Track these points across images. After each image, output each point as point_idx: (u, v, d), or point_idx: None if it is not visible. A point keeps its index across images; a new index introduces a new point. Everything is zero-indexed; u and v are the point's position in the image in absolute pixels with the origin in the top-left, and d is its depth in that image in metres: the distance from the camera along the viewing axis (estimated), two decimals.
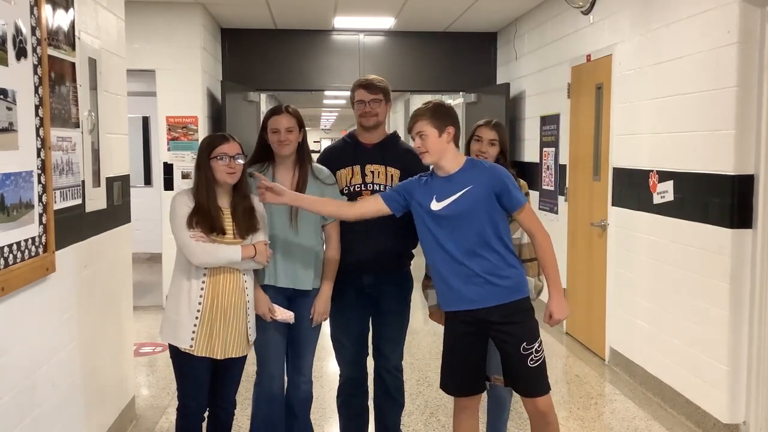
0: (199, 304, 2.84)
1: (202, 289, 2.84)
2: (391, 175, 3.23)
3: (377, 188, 3.21)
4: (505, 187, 2.80)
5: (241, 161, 2.87)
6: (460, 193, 2.80)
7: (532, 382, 2.85)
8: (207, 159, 2.84)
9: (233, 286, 2.88)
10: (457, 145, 2.89)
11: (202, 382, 2.95)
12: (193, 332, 2.84)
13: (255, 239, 2.92)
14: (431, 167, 2.92)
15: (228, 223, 2.86)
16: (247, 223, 2.89)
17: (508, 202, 2.81)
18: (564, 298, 2.86)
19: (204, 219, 2.81)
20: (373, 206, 2.96)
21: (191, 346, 2.85)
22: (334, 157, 3.31)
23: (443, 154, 2.83)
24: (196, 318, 2.84)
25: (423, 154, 2.83)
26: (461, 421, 3.02)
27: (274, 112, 3.10)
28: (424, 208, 2.85)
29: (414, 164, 3.33)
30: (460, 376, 2.94)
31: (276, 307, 3.06)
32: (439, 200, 2.82)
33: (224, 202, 2.89)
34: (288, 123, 3.07)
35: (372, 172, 3.23)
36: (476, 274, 2.79)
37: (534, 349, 2.81)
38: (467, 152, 3.19)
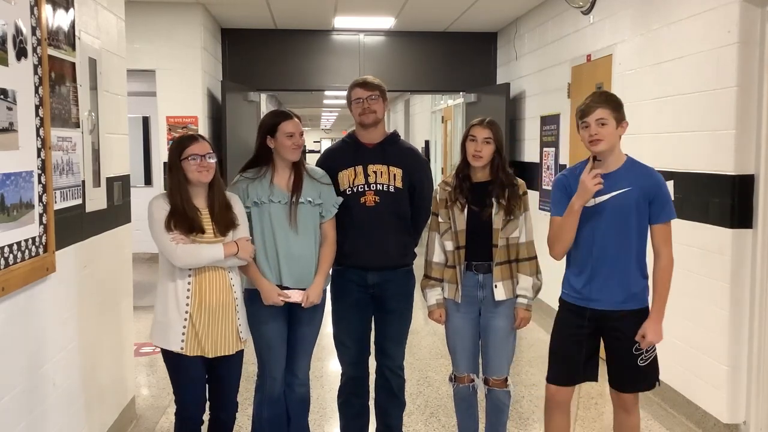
0: (187, 305, 2.84)
1: (188, 290, 2.84)
2: (394, 175, 3.23)
3: (380, 188, 3.21)
4: (661, 194, 2.84)
5: (212, 160, 2.87)
6: (616, 193, 2.83)
7: (634, 380, 2.91)
8: (178, 160, 2.84)
9: (220, 285, 2.88)
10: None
11: (197, 382, 2.95)
12: (183, 333, 2.84)
13: (236, 235, 2.93)
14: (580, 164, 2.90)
15: (207, 222, 2.86)
16: (225, 220, 2.90)
17: (658, 210, 2.84)
18: (661, 325, 2.87)
19: (181, 220, 2.81)
20: (573, 225, 2.86)
21: (182, 348, 2.84)
22: (335, 159, 3.32)
23: (614, 147, 2.85)
24: (185, 319, 2.84)
25: (597, 142, 2.80)
26: (552, 417, 3.07)
27: (285, 116, 3.10)
28: None
29: (415, 163, 3.35)
30: (562, 363, 2.99)
31: (289, 291, 3.07)
32: (594, 196, 2.82)
33: (201, 202, 2.89)
34: (300, 127, 3.12)
35: (375, 172, 3.23)
36: (608, 275, 2.85)
37: (645, 350, 2.87)
38: (462, 153, 3.18)
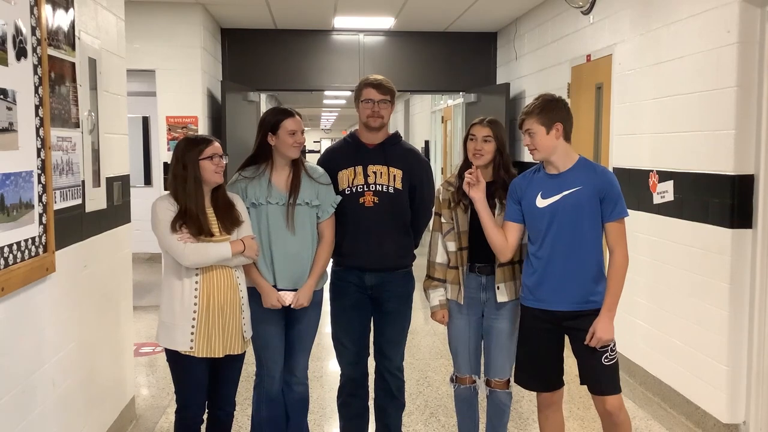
0: (195, 305, 2.83)
1: (195, 289, 2.84)
2: (394, 176, 3.22)
3: (379, 189, 3.20)
4: (612, 192, 2.82)
5: (226, 161, 2.91)
6: (566, 193, 2.83)
7: (605, 381, 2.88)
8: (196, 160, 2.83)
9: (227, 284, 2.88)
10: (568, 140, 2.88)
11: (201, 384, 2.95)
12: (192, 333, 2.83)
13: (241, 233, 2.93)
14: (541, 162, 2.94)
15: (214, 224, 2.87)
16: (230, 218, 2.91)
17: (609, 208, 2.82)
18: (612, 322, 2.84)
19: (192, 222, 2.81)
20: (518, 233, 2.97)
21: (191, 348, 2.84)
22: (336, 158, 3.31)
23: (552, 151, 2.85)
24: (193, 319, 2.83)
25: (532, 151, 2.86)
26: (547, 417, 3.08)
27: (288, 114, 3.10)
28: (530, 204, 2.89)
29: (416, 165, 3.33)
30: (536, 372, 2.99)
31: (282, 294, 3.07)
32: (544, 197, 2.85)
33: (206, 202, 2.90)
34: (302, 125, 3.12)
35: (374, 173, 3.22)
36: (564, 276, 2.84)
37: (609, 348, 2.85)
38: (464, 153, 3.18)
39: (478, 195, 2.97)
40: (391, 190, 3.22)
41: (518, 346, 3.05)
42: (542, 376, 3.01)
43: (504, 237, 2.97)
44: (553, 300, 2.87)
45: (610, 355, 2.85)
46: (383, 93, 3.19)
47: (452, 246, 3.16)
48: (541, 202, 2.85)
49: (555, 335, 2.94)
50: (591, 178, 2.84)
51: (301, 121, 3.12)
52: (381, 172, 3.22)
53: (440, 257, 3.21)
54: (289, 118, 3.08)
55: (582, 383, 2.98)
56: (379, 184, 3.21)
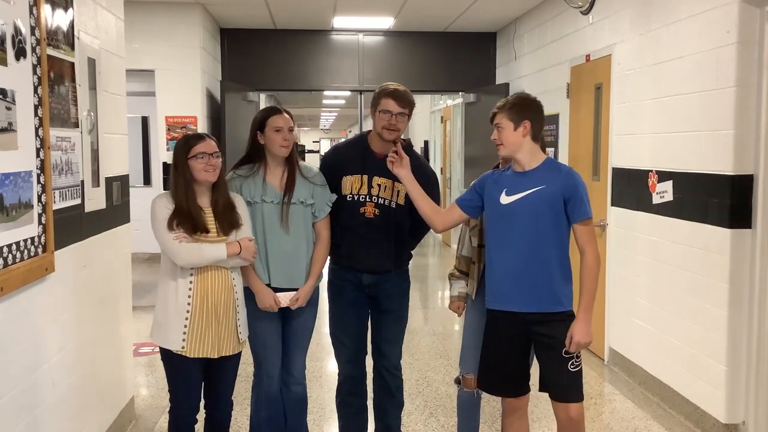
0: (188, 304, 2.83)
1: (190, 289, 2.83)
2: (398, 191, 3.19)
3: (382, 202, 3.19)
4: (576, 194, 2.78)
5: (218, 159, 2.87)
6: (530, 191, 2.80)
7: (570, 387, 2.83)
8: (185, 159, 2.83)
9: (221, 285, 2.87)
10: (536, 141, 2.84)
11: (194, 383, 2.94)
12: (184, 333, 2.83)
13: (239, 235, 2.91)
14: (510, 162, 2.92)
15: (210, 222, 2.86)
16: (229, 220, 2.89)
17: (574, 210, 2.78)
18: (590, 325, 2.80)
19: (185, 219, 2.80)
20: (455, 217, 3.01)
21: (183, 348, 2.83)
22: (342, 161, 3.27)
23: (518, 148, 2.82)
24: (186, 319, 2.83)
25: (498, 146, 2.86)
26: (512, 423, 3.01)
27: (274, 112, 3.09)
28: (494, 200, 2.87)
29: (423, 180, 3.21)
30: (501, 377, 2.93)
31: (279, 295, 3.06)
32: (508, 194, 2.83)
33: (204, 201, 2.88)
34: (289, 123, 3.08)
35: (379, 186, 3.19)
36: (527, 276, 2.79)
37: (575, 355, 2.81)
38: None
39: (402, 172, 2.99)
40: (393, 205, 3.20)
41: (482, 350, 2.98)
42: (506, 382, 2.94)
43: (435, 207, 3.02)
44: (520, 301, 2.81)
45: (575, 362, 2.81)
46: (402, 106, 3.10)
47: (474, 241, 3.18)
48: (505, 199, 2.83)
49: (521, 340, 2.87)
50: (555, 178, 2.81)
51: (288, 119, 3.08)
52: (386, 186, 3.19)
53: (466, 250, 3.24)
54: (274, 115, 3.07)
55: (541, 390, 2.90)
56: (382, 198, 3.19)
